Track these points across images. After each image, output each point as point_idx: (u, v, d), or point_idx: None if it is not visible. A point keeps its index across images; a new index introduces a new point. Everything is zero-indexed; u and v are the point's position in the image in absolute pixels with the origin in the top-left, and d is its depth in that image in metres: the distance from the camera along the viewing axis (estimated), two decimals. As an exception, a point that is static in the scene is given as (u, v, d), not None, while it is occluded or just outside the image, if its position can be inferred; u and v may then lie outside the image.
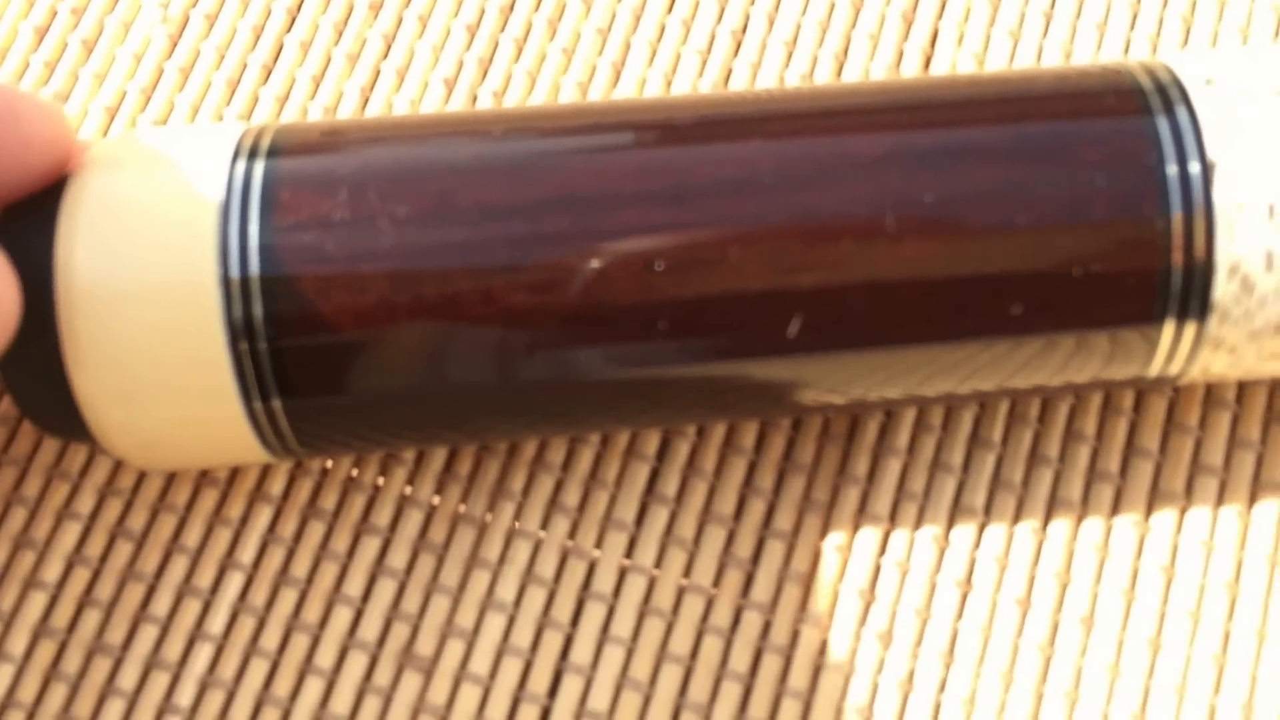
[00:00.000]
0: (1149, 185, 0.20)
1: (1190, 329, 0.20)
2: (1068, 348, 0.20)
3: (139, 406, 0.20)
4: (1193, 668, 0.22)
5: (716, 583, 0.23)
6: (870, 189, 0.20)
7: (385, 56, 0.27)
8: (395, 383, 0.20)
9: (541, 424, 0.21)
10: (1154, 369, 0.21)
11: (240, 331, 0.19)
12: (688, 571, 0.23)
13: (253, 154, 0.20)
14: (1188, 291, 0.20)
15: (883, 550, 0.23)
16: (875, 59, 0.26)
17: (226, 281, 0.19)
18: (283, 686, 0.22)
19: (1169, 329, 0.20)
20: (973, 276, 0.20)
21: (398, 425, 0.21)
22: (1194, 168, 0.20)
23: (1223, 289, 0.20)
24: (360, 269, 0.19)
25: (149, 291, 0.19)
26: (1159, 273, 0.20)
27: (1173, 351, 0.20)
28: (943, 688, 0.22)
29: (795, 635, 0.22)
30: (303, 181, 0.20)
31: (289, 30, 0.27)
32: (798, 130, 0.20)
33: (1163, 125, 0.20)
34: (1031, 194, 0.20)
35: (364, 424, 0.21)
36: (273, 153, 0.20)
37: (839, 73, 0.26)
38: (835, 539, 0.23)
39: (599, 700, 0.22)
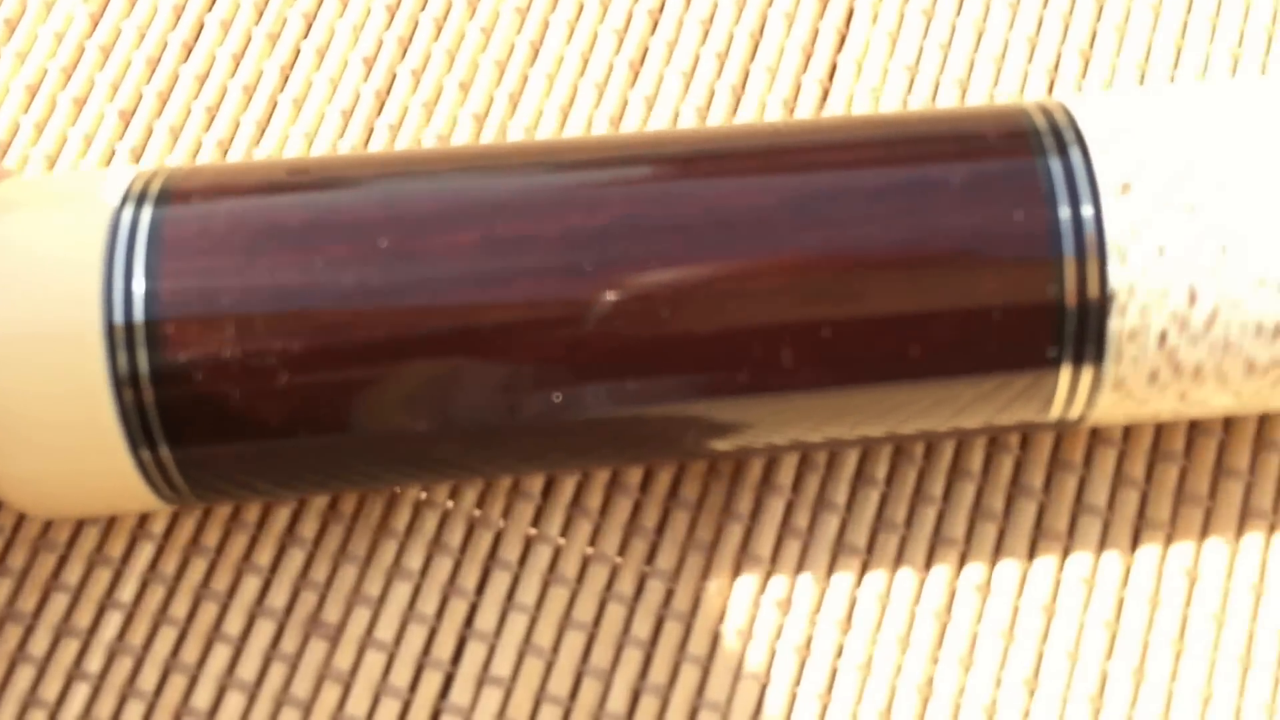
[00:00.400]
0: (1042, 245, 0.19)
1: (1088, 372, 0.20)
2: (965, 395, 0.20)
3: (27, 456, 0.20)
4: (1086, 633, 0.22)
5: (621, 551, 0.23)
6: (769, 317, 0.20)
7: (305, 35, 0.27)
8: (286, 431, 0.20)
9: (433, 473, 0.21)
10: (1053, 413, 0.21)
11: (125, 379, 0.19)
12: (593, 541, 0.23)
13: (141, 200, 0.20)
14: (1083, 333, 0.20)
15: (785, 521, 0.23)
16: (790, 37, 0.27)
17: (111, 329, 0.19)
18: (190, 653, 0.23)
19: (1065, 372, 0.20)
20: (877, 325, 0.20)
21: (292, 474, 0.20)
22: (1087, 211, 0.19)
23: (1106, 397, 0.20)
24: (247, 314, 0.19)
25: (32, 339, 0.19)
26: (1054, 322, 0.20)
27: (1071, 397, 0.20)
28: (839, 653, 0.22)
29: (697, 603, 0.23)
30: (189, 229, 0.20)
31: (210, 9, 0.27)
32: (691, 257, 0.20)
33: (1055, 167, 0.20)
34: (924, 223, 0.20)
35: (258, 473, 0.20)
36: (161, 199, 0.20)
37: (754, 52, 0.27)
38: (738, 509, 0.23)
39: (501, 666, 0.22)
